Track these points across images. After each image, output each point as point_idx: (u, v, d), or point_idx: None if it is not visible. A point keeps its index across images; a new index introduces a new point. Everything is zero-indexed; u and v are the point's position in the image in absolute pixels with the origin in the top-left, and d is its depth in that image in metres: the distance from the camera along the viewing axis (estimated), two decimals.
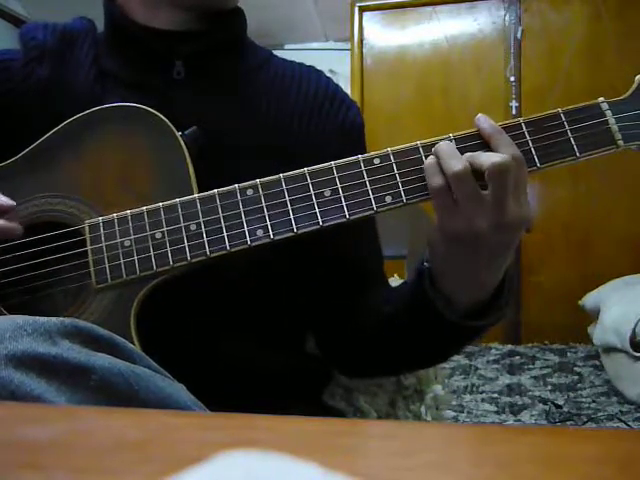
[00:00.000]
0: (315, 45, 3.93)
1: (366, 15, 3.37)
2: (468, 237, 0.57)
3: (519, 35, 3.17)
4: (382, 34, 3.36)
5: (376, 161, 0.61)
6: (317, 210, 0.60)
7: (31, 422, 0.30)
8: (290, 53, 3.93)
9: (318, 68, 0.83)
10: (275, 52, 0.82)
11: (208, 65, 0.74)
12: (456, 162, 0.57)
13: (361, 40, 3.36)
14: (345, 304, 0.76)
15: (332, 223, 0.60)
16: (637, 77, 0.64)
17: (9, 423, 0.30)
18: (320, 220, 0.60)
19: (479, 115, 0.61)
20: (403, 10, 3.33)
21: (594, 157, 0.62)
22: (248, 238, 0.60)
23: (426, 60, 3.29)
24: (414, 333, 0.68)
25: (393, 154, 0.61)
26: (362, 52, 3.35)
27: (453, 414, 2.11)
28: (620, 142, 0.62)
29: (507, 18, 3.20)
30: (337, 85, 0.81)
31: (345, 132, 0.77)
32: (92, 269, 0.61)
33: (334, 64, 3.48)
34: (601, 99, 0.63)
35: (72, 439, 0.28)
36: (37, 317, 0.43)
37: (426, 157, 0.60)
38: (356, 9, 3.37)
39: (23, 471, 0.24)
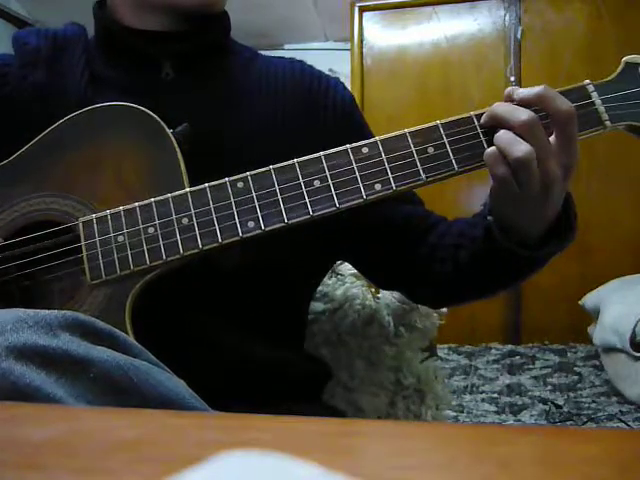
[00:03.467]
0: (315, 45, 3.93)
1: (366, 15, 3.37)
2: (542, 190, 0.59)
3: (519, 35, 3.17)
4: (382, 34, 3.36)
5: (364, 150, 0.62)
6: (307, 200, 0.60)
7: (31, 422, 0.30)
8: (290, 53, 3.94)
9: (318, 68, 0.84)
10: (275, 52, 0.83)
11: (196, 66, 0.75)
12: (521, 112, 0.59)
13: (361, 40, 3.35)
14: (408, 257, 0.78)
15: (322, 212, 0.60)
16: (623, 59, 0.65)
17: (9, 423, 0.30)
18: (310, 210, 0.60)
19: (510, 89, 0.62)
20: (403, 10, 3.32)
21: (583, 138, 0.62)
22: (239, 230, 0.60)
23: (426, 60, 3.29)
24: (494, 270, 0.70)
25: (381, 142, 0.62)
26: (362, 52, 3.35)
27: (453, 414, 2.11)
28: (607, 122, 0.62)
29: (507, 18, 3.20)
30: (319, 70, 0.83)
31: (338, 110, 0.79)
32: (86, 265, 0.61)
33: (334, 64, 3.48)
34: (587, 81, 0.64)
35: (72, 439, 0.28)
36: (38, 310, 0.44)
37: (414, 144, 0.61)
38: (356, 9, 3.36)
39: (23, 471, 0.24)
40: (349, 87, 0.84)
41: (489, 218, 0.66)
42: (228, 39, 0.81)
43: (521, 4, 3.18)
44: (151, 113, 0.65)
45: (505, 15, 3.21)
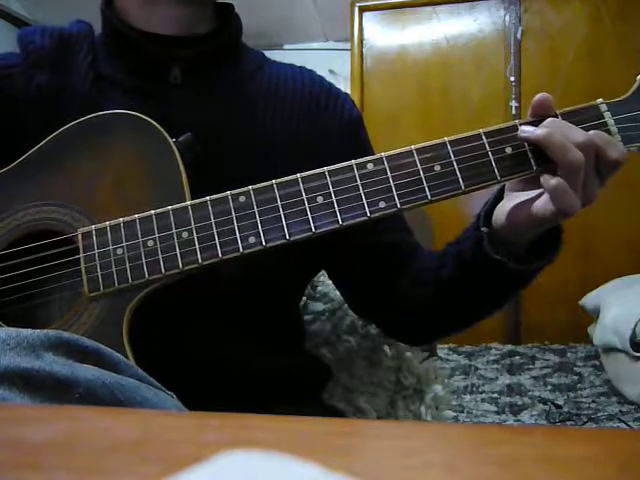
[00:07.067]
0: (315, 45, 3.93)
1: (366, 15, 3.37)
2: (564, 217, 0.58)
3: (519, 35, 3.17)
4: (382, 34, 3.36)
5: (369, 166, 0.60)
6: (310, 216, 0.59)
7: (31, 422, 0.30)
8: (290, 53, 3.93)
9: (318, 68, 0.84)
10: (275, 52, 0.83)
11: (205, 70, 0.74)
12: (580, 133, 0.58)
13: (361, 40, 3.35)
14: (389, 284, 0.76)
15: (325, 229, 0.59)
16: (638, 77, 0.63)
17: (9, 423, 0.30)
18: (312, 226, 0.59)
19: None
20: (403, 10, 3.32)
21: None
22: (240, 245, 0.59)
23: (426, 60, 3.29)
24: (478, 287, 0.68)
25: (387, 159, 0.60)
26: (362, 52, 3.35)
27: (453, 414, 2.11)
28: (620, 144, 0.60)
29: (507, 18, 3.20)
30: (329, 82, 0.82)
31: (344, 125, 0.78)
32: (84, 277, 0.60)
33: (334, 64, 3.47)
34: (600, 100, 0.62)
35: (72, 439, 0.28)
36: (21, 330, 0.43)
37: (420, 162, 0.60)
38: (356, 9, 3.36)
39: (23, 471, 0.24)
40: (349, 87, 0.84)
41: (483, 229, 0.64)
42: (239, 43, 0.79)
43: (521, 4, 3.18)
44: (154, 122, 0.64)
45: (505, 15, 3.21)
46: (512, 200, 0.62)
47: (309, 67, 0.83)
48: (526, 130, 0.59)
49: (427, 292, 0.72)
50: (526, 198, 0.61)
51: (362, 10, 3.37)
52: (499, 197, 0.65)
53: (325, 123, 0.77)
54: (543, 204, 0.58)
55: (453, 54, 3.25)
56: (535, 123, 0.60)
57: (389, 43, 3.35)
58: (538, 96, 0.61)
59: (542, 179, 0.58)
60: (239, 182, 0.61)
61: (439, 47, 3.27)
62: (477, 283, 0.67)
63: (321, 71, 0.85)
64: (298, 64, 0.84)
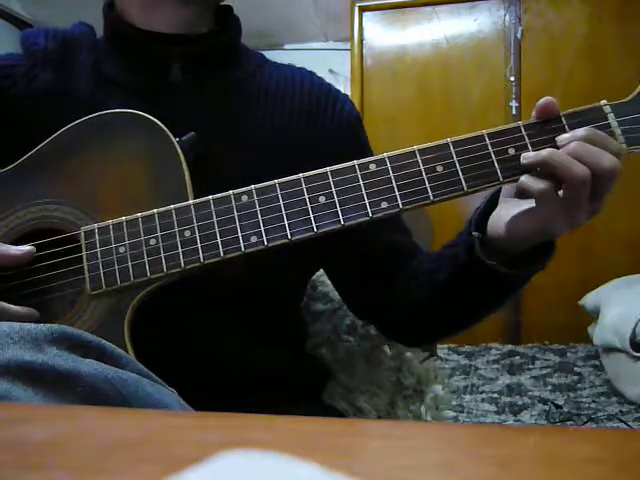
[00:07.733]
0: (315, 45, 3.93)
1: (366, 15, 3.37)
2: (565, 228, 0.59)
3: (519, 35, 3.17)
4: (382, 34, 3.36)
5: (372, 166, 0.60)
6: (311, 216, 0.59)
7: (31, 422, 0.30)
8: (290, 53, 3.92)
9: (318, 68, 0.84)
10: (275, 52, 0.83)
11: (205, 69, 0.75)
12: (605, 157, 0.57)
13: (361, 40, 3.35)
14: (386, 285, 0.76)
15: (326, 229, 0.59)
16: None
17: (9, 423, 0.30)
18: (314, 226, 0.59)
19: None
20: (403, 10, 3.32)
21: None
22: (242, 244, 0.59)
23: (426, 60, 3.29)
24: (473, 291, 0.68)
25: (389, 159, 0.60)
26: (362, 52, 3.35)
27: (453, 414, 2.11)
28: (623, 146, 0.60)
29: (507, 18, 3.20)
30: (329, 83, 0.82)
31: (343, 126, 0.78)
32: (87, 275, 0.61)
33: (334, 64, 3.48)
34: (603, 102, 0.61)
35: (72, 439, 0.28)
36: (24, 324, 0.43)
37: (423, 162, 0.59)
38: (356, 9, 3.36)
39: (23, 471, 0.24)
40: (349, 87, 0.84)
41: (475, 234, 0.64)
42: (238, 43, 0.80)
43: (521, 4, 3.18)
44: (157, 121, 0.65)
45: (505, 15, 3.21)
46: (509, 209, 0.62)
47: (309, 67, 0.83)
48: (528, 156, 0.58)
49: (423, 294, 0.72)
50: (527, 207, 0.60)
51: (362, 10, 3.37)
52: (493, 202, 0.65)
53: (324, 123, 0.77)
54: (547, 216, 0.58)
55: (453, 54, 3.25)
56: (539, 125, 0.60)
57: (389, 43, 3.35)
58: (542, 101, 0.60)
59: (537, 201, 0.58)
60: (240, 181, 0.61)
61: (439, 47, 3.27)
62: (472, 287, 0.67)
63: (321, 71, 0.85)
64: (298, 64, 0.84)
